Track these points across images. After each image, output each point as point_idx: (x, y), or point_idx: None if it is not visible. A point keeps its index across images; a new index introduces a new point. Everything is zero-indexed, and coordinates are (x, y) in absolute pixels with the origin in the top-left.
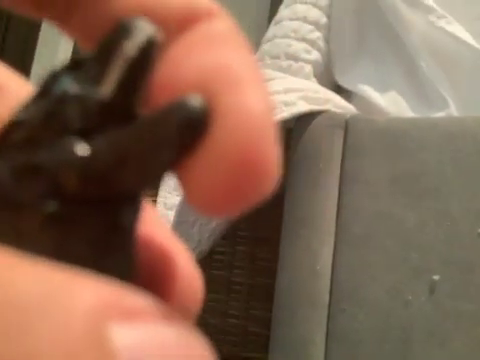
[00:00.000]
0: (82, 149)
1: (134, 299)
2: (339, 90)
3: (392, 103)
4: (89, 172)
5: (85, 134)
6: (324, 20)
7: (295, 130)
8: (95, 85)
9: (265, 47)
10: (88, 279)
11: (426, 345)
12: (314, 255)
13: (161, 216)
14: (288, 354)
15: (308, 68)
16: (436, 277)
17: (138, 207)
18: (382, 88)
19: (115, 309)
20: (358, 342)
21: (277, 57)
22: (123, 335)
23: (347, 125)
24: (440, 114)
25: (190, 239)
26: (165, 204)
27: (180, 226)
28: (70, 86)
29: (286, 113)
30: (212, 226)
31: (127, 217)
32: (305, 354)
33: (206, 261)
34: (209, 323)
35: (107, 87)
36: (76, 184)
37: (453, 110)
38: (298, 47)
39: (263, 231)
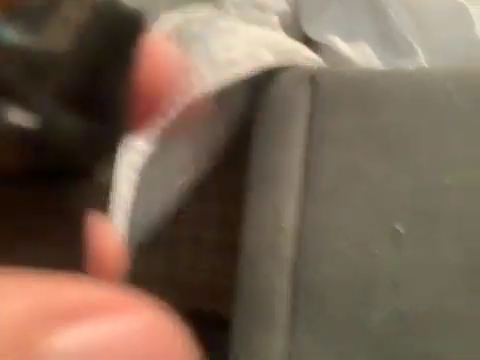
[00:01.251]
0: (20, 117)
1: (66, 299)
2: (307, 43)
3: (360, 54)
4: (28, 144)
5: (24, 96)
6: None
7: (261, 84)
8: (39, 34)
9: None
10: (15, 287)
11: (390, 296)
12: (279, 211)
13: (124, 178)
14: (253, 307)
15: (275, 19)
16: (402, 228)
17: (86, 189)
18: (350, 38)
19: (41, 316)
20: (323, 294)
21: (242, 7)
22: (51, 343)
23: (314, 78)
24: (409, 64)
25: (155, 201)
26: (128, 165)
27: (144, 188)
28: (8, 36)
29: (252, 66)
30: (178, 186)
31: (73, 199)
32: (270, 307)
33: (175, 220)
34: (179, 279)
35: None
36: (12, 159)
37: (422, 60)
38: None
39: (232, 188)
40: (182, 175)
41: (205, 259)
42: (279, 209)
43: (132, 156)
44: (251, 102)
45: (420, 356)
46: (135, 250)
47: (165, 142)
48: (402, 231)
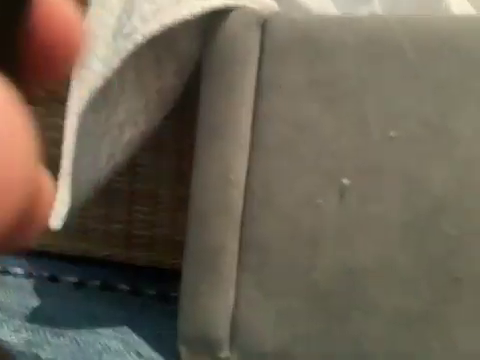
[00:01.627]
0: None
1: None
2: None
3: (316, 1)
4: None
5: None
6: None
7: (208, 29)
8: None
9: None
10: None
11: (334, 249)
12: (228, 164)
13: (68, 125)
14: (202, 261)
15: None
16: (347, 182)
17: None
18: None
19: None
20: (268, 248)
21: None
22: None
23: (265, 24)
24: (364, 11)
25: (101, 152)
26: (75, 114)
27: (88, 139)
28: None
29: (197, 8)
30: (126, 138)
31: None
32: (218, 261)
33: (131, 175)
34: (138, 234)
35: None
36: None
37: (377, 7)
38: None
39: (188, 142)
40: (130, 126)
41: (163, 214)
42: (228, 161)
43: (74, 102)
44: (199, 46)
45: (364, 309)
46: (92, 206)
47: (107, 90)
48: (348, 185)
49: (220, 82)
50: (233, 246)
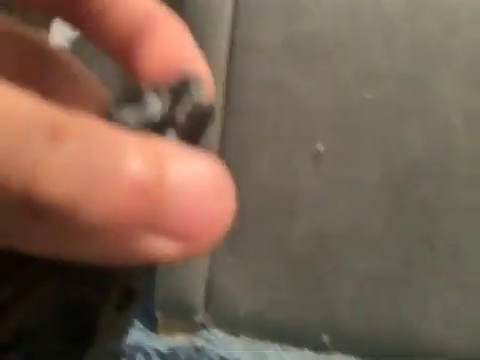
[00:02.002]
0: None
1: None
2: None
3: None
4: None
5: None
6: None
7: None
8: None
9: None
10: None
11: (309, 212)
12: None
13: None
14: None
15: None
16: (322, 146)
17: None
18: None
19: None
20: (245, 213)
21: None
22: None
23: None
24: None
25: None
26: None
27: None
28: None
29: None
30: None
31: None
32: None
33: None
34: None
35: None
36: None
37: None
38: None
39: None
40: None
41: None
42: None
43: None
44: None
45: (338, 274)
46: None
47: None
48: (322, 149)
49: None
50: None
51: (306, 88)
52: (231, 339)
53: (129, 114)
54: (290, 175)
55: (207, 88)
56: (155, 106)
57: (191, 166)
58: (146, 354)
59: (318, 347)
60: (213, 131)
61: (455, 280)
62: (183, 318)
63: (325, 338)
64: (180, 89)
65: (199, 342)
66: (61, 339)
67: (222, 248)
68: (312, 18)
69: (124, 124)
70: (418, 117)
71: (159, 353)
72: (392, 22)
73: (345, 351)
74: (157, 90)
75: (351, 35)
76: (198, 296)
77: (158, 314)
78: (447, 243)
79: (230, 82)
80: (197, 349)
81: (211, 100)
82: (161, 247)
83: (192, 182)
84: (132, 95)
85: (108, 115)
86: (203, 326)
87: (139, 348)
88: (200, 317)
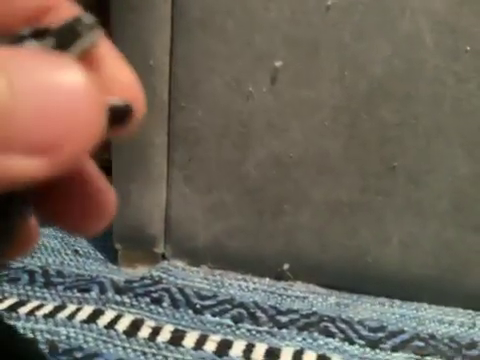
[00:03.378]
0: None
1: None
2: None
3: None
4: None
5: None
6: None
7: None
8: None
9: None
10: None
11: (265, 136)
12: (147, 46)
13: None
14: (131, 159)
15: None
16: (278, 63)
17: None
18: None
19: None
20: (197, 141)
21: None
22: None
23: None
24: None
25: None
26: None
27: None
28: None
29: None
30: None
31: None
32: (147, 158)
33: None
34: None
35: None
36: None
37: None
38: None
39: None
40: None
41: None
42: (147, 42)
43: None
44: None
45: (295, 201)
46: None
47: None
48: (279, 66)
49: None
50: (161, 141)
51: None
52: (191, 269)
53: None
54: (245, 96)
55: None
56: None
57: (46, 73)
58: (102, 285)
59: (279, 276)
60: (161, 48)
61: (412, 204)
62: (143, 250)
63: (285, 266)
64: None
65: (157, 273)
66: None
67: (177, 178)
68: None
69: None
70: (383, 28)
71: (115, 285)
72: None
73: (305, 280)
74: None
75: None
76: (157, 227)
77: (118, 246)
78: (406, 167)
79: None
80: (155, 280)
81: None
82: (22, 165)
83: (46, 90)
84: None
85: None
86: (164, 257)
87: (95, 279)
88: (160, 247)
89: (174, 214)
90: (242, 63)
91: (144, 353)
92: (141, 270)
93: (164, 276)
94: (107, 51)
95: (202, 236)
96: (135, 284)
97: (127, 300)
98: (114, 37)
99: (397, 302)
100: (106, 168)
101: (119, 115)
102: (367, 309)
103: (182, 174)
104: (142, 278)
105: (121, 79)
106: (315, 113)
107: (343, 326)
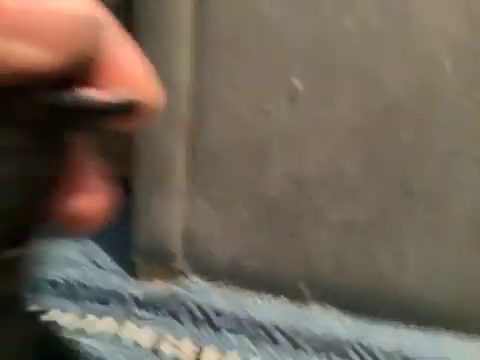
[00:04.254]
0: None
1: None
2: None
3: None
4: None
5: None
6: None
7: None
8: None
9: None
10: None
11: (283, 155)
12: (168, 64)
13: None
14: (152, 175)
15: None
16: (299, 84)
17: None
18: None
19: None
20: (217, 159)
21: None
22: None
23: None
24: None
25: None
26: None
27: None
28: None
29: None
30: None
31: None
32: (168, 173)
33: None
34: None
35: None
36: None
37: None
38: None
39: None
40: None
41: None
42: (169, 60)
43: None
44: None
45: (312, 220)
46: None
47: None
48: (299, 87)
49: None
50: (182, 157)
51: (281, 19)
52: (209, 287)
53: None
54: (265, 115)
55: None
56: None
57: None
58: (121, 298)
59: (295, 296)
60: (183, 67)
61: (431, 227)
62: (162, 264)
63: (301, 286)
64: None
65: (176, 289)
66: None
67: (197, 193)
68: None
69: None
70: (400, 49)
71: (134, 298)
72: None
73: (322, 300)
74: None
75: None
76: (176, 243)
77: (137, 260)
78: (424, 190)
79: (201, 14)
80: (173, 296)
81: None
82: (24, 52)
83: None
84: None
85: None
86: (182, 273)
87: (114, 292)
88: (179, 263)
89: (193, 230)
90: (262, 82)
91: None
92: (159, 284)
93: (182, 292)
94: (121, 45)
95: (220, 253)
96: (154, 298)
97: (146, 314)
98: None
99: (414, 327)
100: (126, 184)
101: (124, 108)
102: (384, 334)
103: (202, 190)
104: (160, 293)
105: (131, 73)
106: (333, 133)
107: (360, 350)
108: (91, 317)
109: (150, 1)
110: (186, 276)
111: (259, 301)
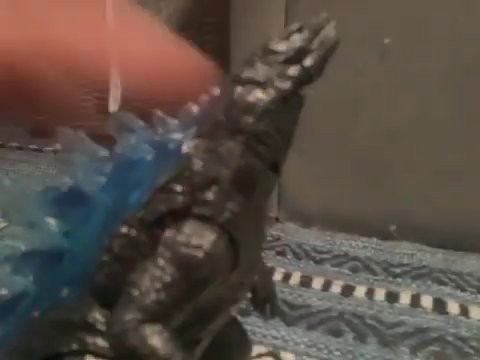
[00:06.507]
0: None
1: None
2: None
3: None
4: None
5: None
6: None
7: None
8: None
9: None
10: None
11: (376, 110)
12: (265, 35)
13: None
14: None
15: None
16: (389, 41)
17: None
18: None
19: None
20: (310, 112)
21: None
22: None
23: None
24: None
25: None
26: None
27: None
28: None
29: None
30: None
31: None
32: None
33: None
34: None
35: None
36: None
37: None
38: None
39: (211, 18)
40: None
41: None
42: (265, 32)
43: None
44: None
45: (402, 167)
46: None
47: None
48: (389, 44)
49: None
50: None
51: None
52: (304, 230)
53: None
54: (355, 73)
55: None
56: None
57: None
58: None
59: (386, 237)
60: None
61: None
62: None
63: (392, 228)
64: None
65: (276, 232)
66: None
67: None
68: None
69: None
70: None
71: None
72: None
73: (412, 240)
74: None
75: None
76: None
77: None
78: None
79: None
80: (275, 238)
81: None
82: None
83: None
84: None
85: None
86: (277, 220)
87: None
88: (274, 212)
89: (286, 181)
90: (351, 42)
91: (282, 292)
92: None
93: (282, 235)
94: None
95: (312, 202)
96: None
97: None
98: (234, 33)
99: None
100: None
101: None
102: (473, 264)
103: (293, 146)
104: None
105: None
106: (423, 86)
107: (453, 276)
108: None
109: None
110: (281, 223)
111: (352, 242)
